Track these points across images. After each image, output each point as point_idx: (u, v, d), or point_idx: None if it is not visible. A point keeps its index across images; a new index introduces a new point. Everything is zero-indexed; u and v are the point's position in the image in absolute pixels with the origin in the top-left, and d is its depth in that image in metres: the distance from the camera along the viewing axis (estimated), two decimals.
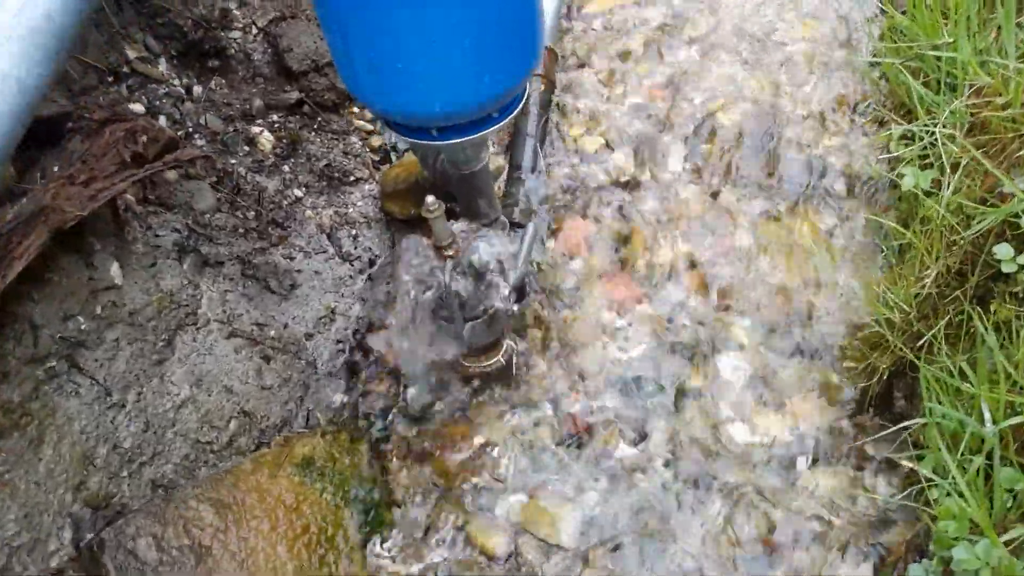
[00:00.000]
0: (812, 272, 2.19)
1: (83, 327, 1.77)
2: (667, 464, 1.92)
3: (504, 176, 2.42)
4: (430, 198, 1.67)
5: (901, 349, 1.65)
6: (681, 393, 2.03)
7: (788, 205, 2.33)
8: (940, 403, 1.50)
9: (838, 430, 1.92)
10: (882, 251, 2.01)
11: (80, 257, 1.80)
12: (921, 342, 1.60)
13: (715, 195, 2.38)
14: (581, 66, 2.76)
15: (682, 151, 2.49)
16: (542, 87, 2.58)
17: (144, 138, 1.88)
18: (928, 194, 1.71)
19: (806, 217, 2.30)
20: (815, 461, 1.90)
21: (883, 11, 2.34)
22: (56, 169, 1.69)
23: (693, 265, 2.24)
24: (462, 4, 1.43)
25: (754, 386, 2.03)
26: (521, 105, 1.74)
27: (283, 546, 1.71)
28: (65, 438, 1.70)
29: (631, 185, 2.43)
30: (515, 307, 1.94)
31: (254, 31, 2.40)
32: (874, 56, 2.30)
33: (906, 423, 1.62)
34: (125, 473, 1.77)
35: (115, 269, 1.84)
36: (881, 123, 2.25)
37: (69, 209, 1.62)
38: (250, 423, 1.94)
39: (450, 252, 1.76)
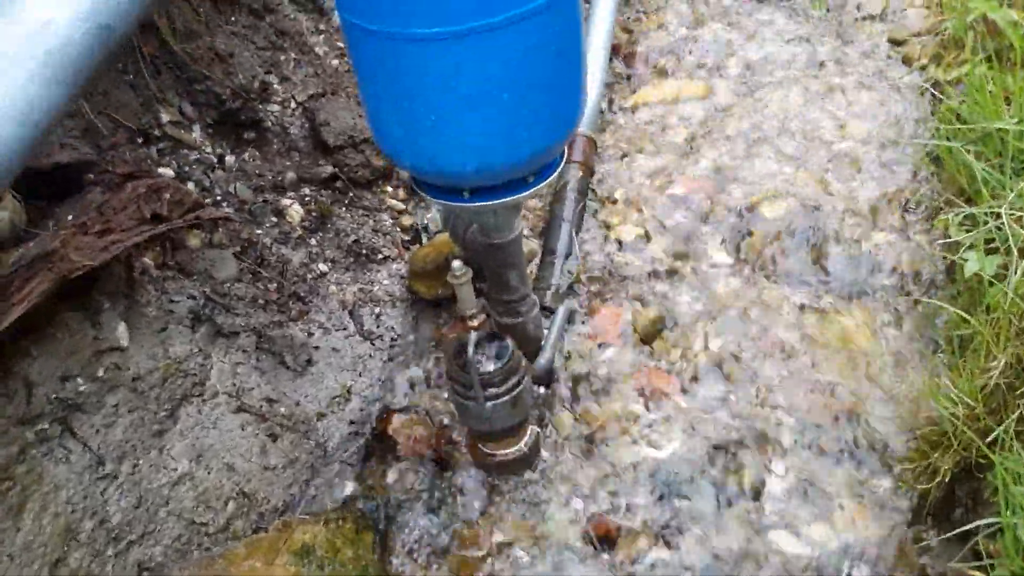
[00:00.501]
0: (862, 370, 2.03)
1: (82, 389, 1.66)
2: (704, 573, 1.73)
3: (537, 260, 2.33)
4: (456, 263, 1.57)
5: (966, 448, 1.49)
6: (719, 495, 1.85)
7: (835, 300, 2.20)
8: (1016, 505, 1.32)
9: (893, 540, 1.73)
10: (938, 347, 1.86)
11: (86, 315, 1.71)
12: (990, 438, 1.43)
13: (757, 288, 2.25)
14: (622, 157, 2.70)
15: (723, 243, 2.38)
16: (580, 174, 2.52)
17: (167, 196, 1.82)
18: (993, 282, 1.57)
19: (854, 313, 2.16)
20: (864, 574, 1.70)
21: (936, 98, 2.25)
22: (70, 218, 1.63)
23: (733, 359, 2.10)
24: (500, 57, 1.35)
25: (800, 490, 1.85)
26: (558, 171, 1.65)
27: None
28: (49, 507, 1.57)
29: (669, 275, 2.32)
30: (541, 390, 1.80)
31: (293, 105, 2.38)
32: (931, 140, 2.19)
33: (977, 523, 1.43)
34: (110, 552, 1.62)
35: (122, 330, 1.75)
36: (936, 215, 2.13)
37: (77, 258, 1.54)
38: (249, 505, 1.80)
39: (474, 323, 1.65)
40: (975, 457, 1.49)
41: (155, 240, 1.76)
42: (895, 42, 2.96)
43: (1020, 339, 1.41)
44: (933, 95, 2.20)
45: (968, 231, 1.72)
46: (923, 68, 2.62)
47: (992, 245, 1.66)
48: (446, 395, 1.95)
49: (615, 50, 3.07)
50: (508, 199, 1.60)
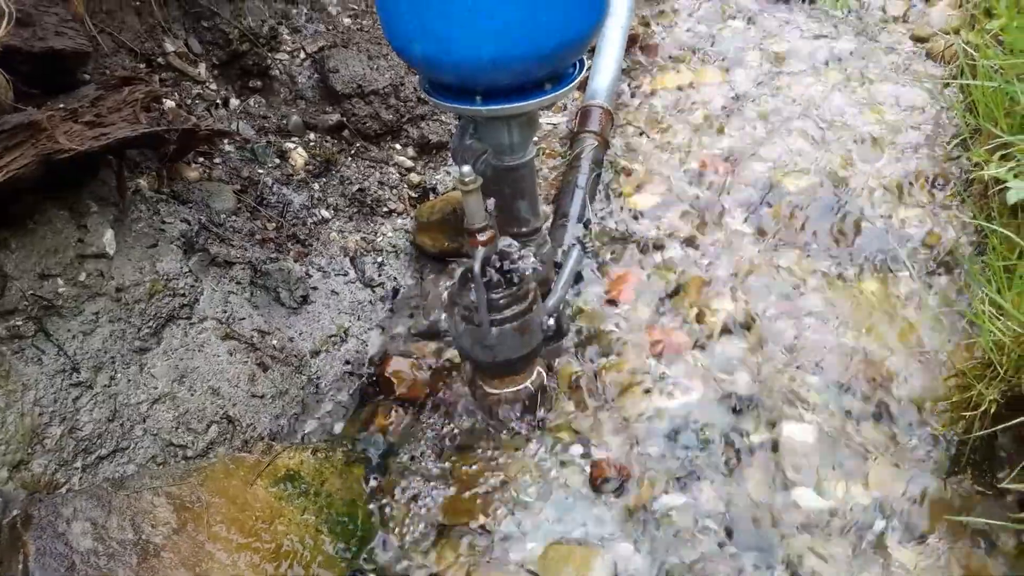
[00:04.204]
0: (890, 334, 1.92)
1: (61, 290, 1.56)
2: (718, 522, 1.59)
3: (549, 222, 2.24)
4: (466, 168, 1.47)
5: (1014, 375, 1.36)
6: (737, 448, 1.72)
7: (860, 269, 2.09)
8: None
9: (925, 495, 1.59)
10: (971, 297, 1.74)
11: (72, 216, 1.62)
12: None
13: (779, 256, 2.15)
14: (640, 134, 2.63)
15: (743, 213, 2.29)
16: (596, 144, 2.44)
17: (165, 107, 1.74)
18: None
19: (881, 282, 2.05)
20: (899, 533, 1.56)
21: (968, 56, 2.15)
22: (61, 106, 1.54)
23: (753, 320, 1.99)
24: None
25: (823, 447, 1.72)
26: (575, 83, 1.57)
27: (246, 561, 1.40)
28: (14, 406, 1.45)
29: (686, 242, 2.22)
30: (551, 321, 1.69)
31: (302, 56, 2.32)
32: (973, 81, 2.08)
33: None
34: (78, 463, 1.50)
35: (109, 237, 1.65)
36: (969, 186, 2.03)
37: (64, 141, 1.45)
38: (232, 431, 1.67)
39: (483, 238, 1.54)
40: None
41: (148, 143, 1.67)
42: (919, 39, 2.91)
43: None
44: (966, 52, 2.13)
45: (1008, 168, 1.62)
46: (956, 31, 2.55)
47: None
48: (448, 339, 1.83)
49: (634, 40, 3.03)
50: (522, 104, 1.52)
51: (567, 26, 1.42)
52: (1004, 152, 1.73)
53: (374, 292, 2.06)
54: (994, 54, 1.95)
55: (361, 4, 2.52)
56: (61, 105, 1.53)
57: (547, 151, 2.59)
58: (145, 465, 1.57)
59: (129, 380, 1.61)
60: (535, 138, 1.72)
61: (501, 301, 1.58)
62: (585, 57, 1.60)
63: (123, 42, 1.92)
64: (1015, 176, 1.52)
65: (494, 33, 1.37)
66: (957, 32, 2.61)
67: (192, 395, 1.66)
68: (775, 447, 1.73)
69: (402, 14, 1.40)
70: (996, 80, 1.81)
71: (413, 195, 2.31)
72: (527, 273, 1.55)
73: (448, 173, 2.41)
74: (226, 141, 2.05)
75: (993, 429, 1.43)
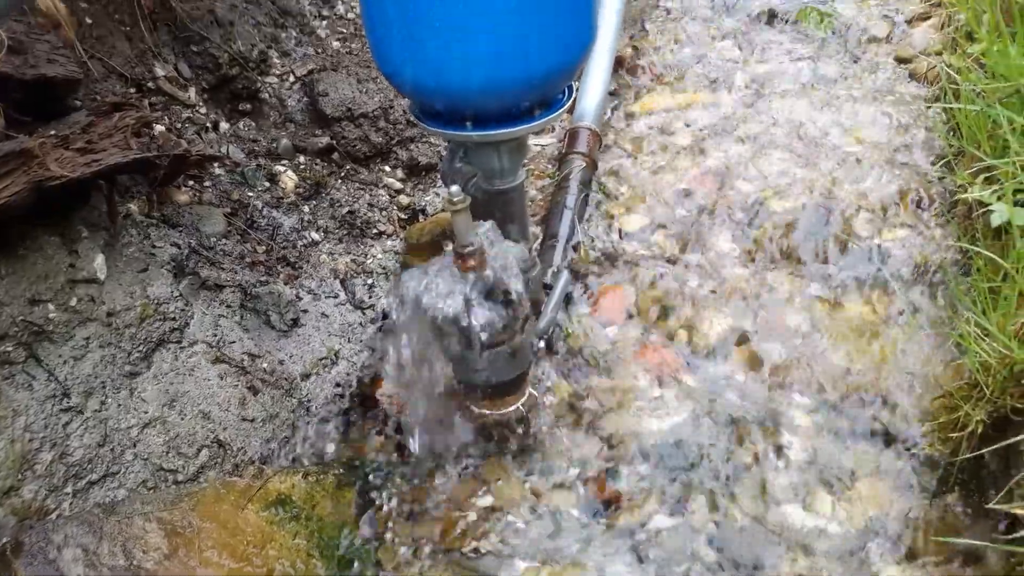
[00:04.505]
0: (877, 354, 1.93)
1: (51, 316, 1.56)
2: (710, 543, 1.60)
3: (538, 243, 2.25)
4: (455, 188, 1.48)
5: (999, 396, 1.38)
6: (727, 468, 1.73)
7: (847, 289, 2.11)
8: None
9: (916, 515, 1.60)
10: (957, 324, 1.76)
11: (63, 241, 1.62)
12: None
13: (765, 276, 2.17)
14: (627, 156, 2.65)
15: (730, 233, 2.31)
16: (583, 165, 2.46)
17: (156, 131, 1.75)
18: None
19: (868, 302, 2.07)
20: (889, 552, 1.57)
21: (951, 79, 2.19)
22: (52, 133, 1.55)
23: (742, 340, 2.00)
24: None
25: (813, 466, 1.73)
26: (564, 108, 1.59)
27: None
28: (4, 432, 1.45)
29: (674, 262, 2.23)
30: (541, 343, 1.70)
31: (291, 79, 2.33)
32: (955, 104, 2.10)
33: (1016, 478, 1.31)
34: (69, 489, 1.49)
35: (100, 262, 1.66)
36: (953, 208, 2.06)
37: (56, 168, 1.45)
38: (223, 455, 1.67)
39: (472, 261, 1.55)
40: (1010, 404, 1.38)
41: (139, 168, 1.68)
42: (902, 60, 2.95)
43: None
44: (949, 75, 2.16)
45: (992, 190, 1.64)
46: (939, 53, 2.59)
47: (1020, 197, 1.58)
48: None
49: (621, 62, 3.06)
50: (512, 130, 1.54)
51: (557, 53, 1.43)
52: (988, 175, 1.75)
53: (364, 314, 2.06)
54: (976, 77, 1.98)
55: (350, 28, 2.54)
56: (52, 132, 1.54)
57: (536, 172, 2.61)
58: (136, 490, 1.56)
59: (119, 405, 1.61)
60: (524, 160, 1.73)
61: (492, 324, 1.58)
62: (574, 82, 1.61)
63: (113, 67, 1.92)
64: (999, 199, 1.54)
65: (484, 59, 1.38)
66: (939, 54, 2.64)
67: (182, 419, 1.66)
68: (765, 466, 1.74)
69: (392, 40, 1.41)
70: (978, 103, 1.83)
71: (403, 217, 2.32)
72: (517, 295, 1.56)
73: (437, 195, 2.42)
74: (216, 165, 2.06)
75: (981, 451, 1.45)
